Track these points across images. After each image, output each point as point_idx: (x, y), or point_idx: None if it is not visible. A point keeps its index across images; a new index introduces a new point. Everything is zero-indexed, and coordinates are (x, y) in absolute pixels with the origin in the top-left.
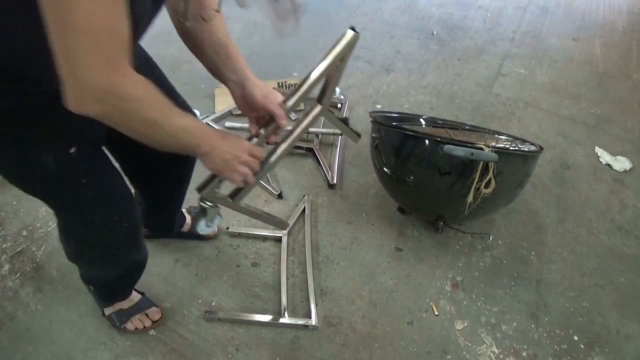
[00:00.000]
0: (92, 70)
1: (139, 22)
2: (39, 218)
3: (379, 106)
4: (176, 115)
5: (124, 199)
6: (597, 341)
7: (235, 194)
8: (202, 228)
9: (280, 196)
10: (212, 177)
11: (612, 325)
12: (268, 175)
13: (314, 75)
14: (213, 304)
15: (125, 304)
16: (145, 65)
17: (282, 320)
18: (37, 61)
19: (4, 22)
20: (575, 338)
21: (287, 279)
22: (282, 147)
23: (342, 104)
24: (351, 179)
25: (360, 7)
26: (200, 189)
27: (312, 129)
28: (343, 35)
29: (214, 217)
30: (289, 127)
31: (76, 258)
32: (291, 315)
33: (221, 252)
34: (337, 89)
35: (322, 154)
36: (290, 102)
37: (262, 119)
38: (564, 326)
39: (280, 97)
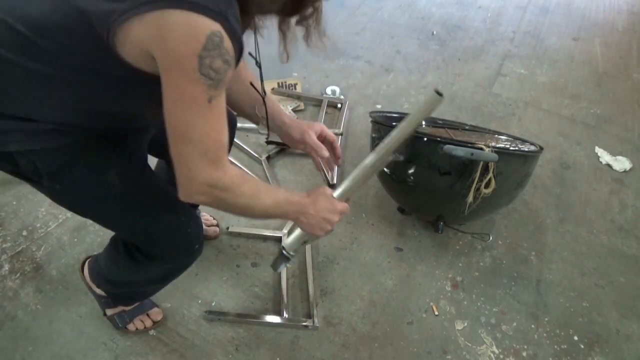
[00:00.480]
0: (200, 172)
1: None
2: (39, 218)
3: (379, 106)
4: (265, 195)
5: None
6: (597, 341)
7: (309, 239)
8: (281, 269)
9: None
10: (301, 238)
11: (612, 325)
12: (268, 175)
13: (399, 133)
14: (213, 304)
15: (127, 305)
16: None
17: (282, 320)
18: (136, 122)
19: (135, 102)
20: (575, 338)
21: (287, 279)
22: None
23: (342, 104)
24: None
25: (360, 7)
26: (289, 247)
27: None
28: (427, 98)
29: (294, 259)
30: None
31: (134, 272)
32: (291, 315)
33: (221, 252)
34: (337, 89)
35: None
36: (377, 156)
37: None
38: (564, 326)
39: (323, 128)
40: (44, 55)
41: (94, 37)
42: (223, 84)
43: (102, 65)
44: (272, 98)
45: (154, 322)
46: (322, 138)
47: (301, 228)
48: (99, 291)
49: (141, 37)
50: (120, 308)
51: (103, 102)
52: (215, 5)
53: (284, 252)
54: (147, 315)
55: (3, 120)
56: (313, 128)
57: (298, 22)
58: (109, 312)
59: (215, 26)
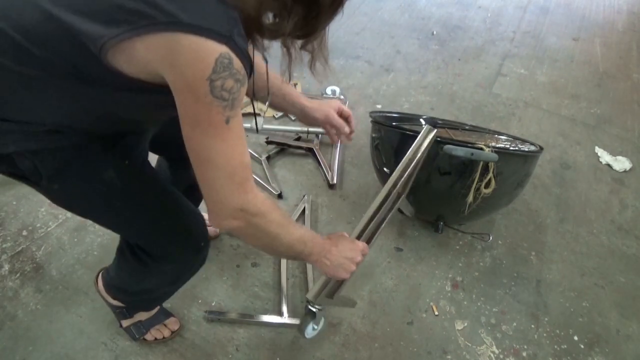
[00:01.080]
0: (229, 195)
1: None
2: (39, 218)
3: (379, 106)
4: (293, 228)
5: (183, 198)
6: (597, 341)
7: (334, 291)
8: (310, 332)
9: (280, 196)
10: (324, 284)
11: (612, 325)
12: (268, 175)
13: (402, 166)
14: (213, 304)
15: (143, 316)
16: None
17: (282, 320)
18: (137, 127)
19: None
20: (575, 338)
21: (287, 279)
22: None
23: None
24: (351, 179)
25: (360, 7)
26: (314, 296)
27: (312, 129)
28: (422, 131)
29: (321, 318)
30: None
31: (142, 276)
32: (291, 315)
33: (221, 252)
34: (337, 89)
35: (322, 154)
36: (383, 192)
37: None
38: (564, 326)
39: (339, 105)
40: (37, 61)
41: (88, 50)
42: (238, 102)
43: (98, 75)
44: (285, 86)
45: (172, 332)
46: (340, 114)
47: (325, 272)
48: (114, 302)
49: (148, 58)
50: (136, 319)
51: (101, 108)
52: (221, 26)
53: (309, 306)
54: (164, 325)
55: (1, 122)
56: (333, 107)
57: (302, 47)
58: (125, 323)
59: (222, 48)
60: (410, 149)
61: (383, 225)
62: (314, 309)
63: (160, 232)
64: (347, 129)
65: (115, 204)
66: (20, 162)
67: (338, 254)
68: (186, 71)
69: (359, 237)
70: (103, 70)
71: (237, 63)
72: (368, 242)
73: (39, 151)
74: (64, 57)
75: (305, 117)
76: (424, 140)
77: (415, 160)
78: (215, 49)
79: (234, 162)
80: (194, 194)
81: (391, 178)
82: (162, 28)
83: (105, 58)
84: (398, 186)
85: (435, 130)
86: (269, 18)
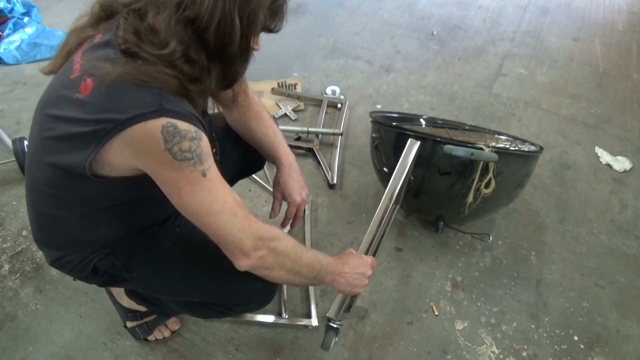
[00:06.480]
0: (241, 230)
1: None
2: None
3: (379, 106)
4: (304, 247)
5: None
6: (597, 341)
7: (350, 305)
8: (332, 345)
9: None
10: (342, 301)
11: (612, 325)
12: (268, 176)
13: (393, 181)
14: None
15: (150, 317)
16: None
17: (282, 321)
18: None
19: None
20: (575, 338)
21: None
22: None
23: (342, 104)
24: (351, 179)
25: (360, 7)
26: (335, 314)
27: (312, 129)
28: (407, 145)
29: (340, 331)
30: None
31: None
32: (291, 315)
33: None
34: (337, 89)
35: (322, 154)
36: (381, 207)
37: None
38: (564, 326)
39: (304, 195)
40: (71, 201)
41: (85, 175)
42: (205, 155)
43: (107, 191)
44: (290, 161)
45: (172, 332)
46: (296, 208)
47: (340, 290)
48: (130, 307)
49: (122, 160)
50: (144, 320)
51: (132, 215)
52: (149, 106)
53: (330, 324)
54: (165, 325)
55: (80, 252)
56: (295, 202)
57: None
58: (131, 324)
59: (161, 121)
60: (399, 163)
61: (384, 237)
62: (335, 325)
63: (232, 286)
64: (286, 224)
65: (182, 266)
66: (102, 267)
67: (351, 271)
68: (147, 153)
69: (366, 252)
70: (104, 185)
71: (182, 125)
72: (374, 254)
73: (109, 252)
74: (83, 190)
75: (279, 179)
76: (410, 154)
77: (404, 173)
78: (157, 124)
79: (230, 203)
80: (251, 157)
81: (386, 193)
82: (113, 133)
83: (95, 173)
84: (394, 199)
85: (419, 143)
86: (193, 82)
